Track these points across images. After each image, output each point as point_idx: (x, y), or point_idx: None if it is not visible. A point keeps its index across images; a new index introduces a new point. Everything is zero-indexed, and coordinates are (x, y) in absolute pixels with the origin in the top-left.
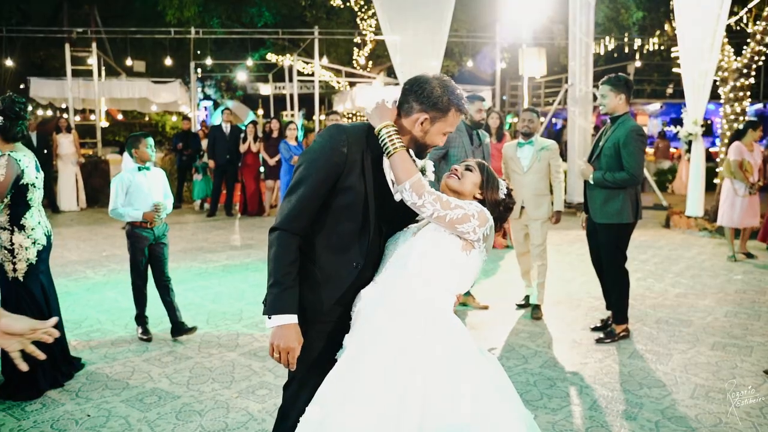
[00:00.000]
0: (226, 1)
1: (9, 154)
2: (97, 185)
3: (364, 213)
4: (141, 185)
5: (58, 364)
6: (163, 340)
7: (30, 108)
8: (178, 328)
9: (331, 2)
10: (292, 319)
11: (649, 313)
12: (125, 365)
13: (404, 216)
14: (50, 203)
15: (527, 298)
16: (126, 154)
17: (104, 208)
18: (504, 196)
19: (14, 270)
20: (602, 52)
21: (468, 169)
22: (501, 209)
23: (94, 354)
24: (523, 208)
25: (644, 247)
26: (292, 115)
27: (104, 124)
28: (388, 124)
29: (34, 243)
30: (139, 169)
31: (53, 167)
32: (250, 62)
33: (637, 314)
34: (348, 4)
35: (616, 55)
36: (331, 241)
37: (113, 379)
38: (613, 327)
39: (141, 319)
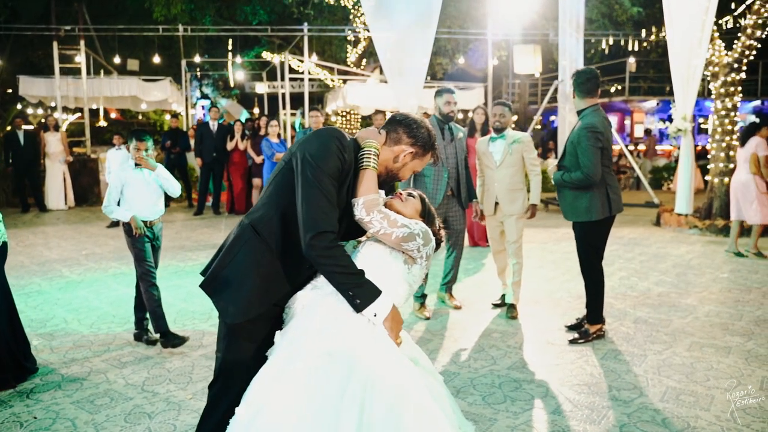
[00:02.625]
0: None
1: None
2: (85, 184)
3: (339, 219)
4: (138, 183)
5: (8, 367)
6: (126, 340)
7: (19, 107)
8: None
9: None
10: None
11: (629, 312)
12: (83, 366)
13: (359, 229)
14: (37, 202)
15: (503, 297)
16: (109, 152)
17: (92, 207)
18: (437, 230)
19: None
20: (597, 49)
21: (411, 195)
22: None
23: (54, 354)
24: (497, 204)
25: (632, 245)
26: (289, 114)
27: (103, 123)
28: (376, 145)
29: None
30: (135, 166)
31: (41, 166)
32: (239, 60)
33: (616, 314)
34: (340, 2)
35: (607, 51)
36: (296, 238)
37: (68, 380)
38: (587, 327)
39: (142, 324)
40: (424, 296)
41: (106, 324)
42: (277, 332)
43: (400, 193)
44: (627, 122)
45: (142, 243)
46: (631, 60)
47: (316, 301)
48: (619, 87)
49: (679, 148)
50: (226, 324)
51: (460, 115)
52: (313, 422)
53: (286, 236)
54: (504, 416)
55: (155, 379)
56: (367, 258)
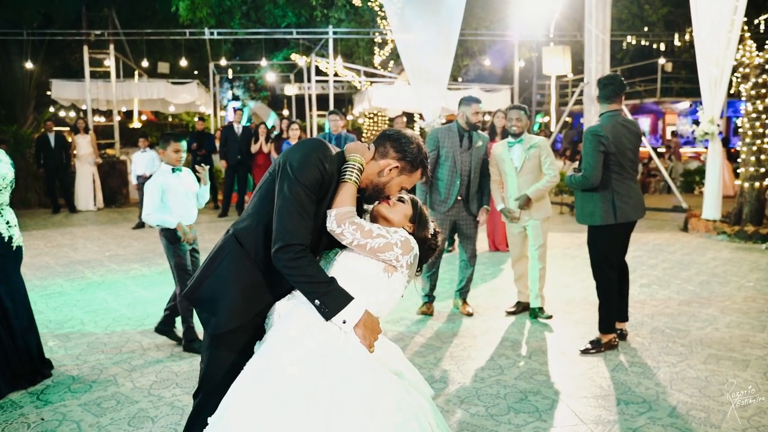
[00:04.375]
0: (246, 3)
1: None
2: (114, 185)
3: (320, 229)
4: (176, 188)
5: (19, 368)
6: (138, 343)
7: (52, 110)
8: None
9: (353, 1)
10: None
11: (646, 322)
12: (94, 368)
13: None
14: (68, 203)
15: (518, 304)
16: (135, 155)
17: (120, 208)
18: (431, 236)
19: None
20: (628, 49)
21: (400, 200)
22: (425, 247)
23: (68, 355)
24: (521, 209)
25: (656, 251)
26: (315, 116)
27: (137, 125)
28: (361, 159)
29: None
30: (173, 170)
31: (71, 167)
32: (264, 62)
33: (632, 323)
34: (368, 3)
35: (638, 51)
36: None
37: (78, 382)
38: (599, 336)
39: (193, 332)
40: (431, 297)
41: (120, 326)
42: (257, 342)
43: (389, 198)
44: (660, 124)
45: (184, 251)
46: (662, 61)
47: (291, 311)
48: (651, 88)
49: (706, 149)
50: (208, 334)
51: (486, 117)
52: None
53: (268, 247)
54: (506, 428)
55: (162, 383)
56: (342, 266)
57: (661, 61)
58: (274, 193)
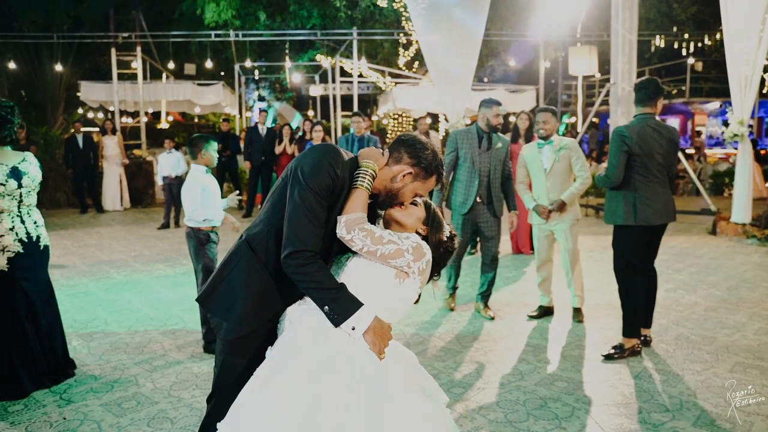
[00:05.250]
0: (271, 4)
1: None
2: (140, 186)
3: (332, 235)
4: (210, 188)
5: (44, 367)
6: (159, 343)
7: (80, 111)
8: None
9: (378, 2)
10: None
11: (671, 328)
12: (116, 368)
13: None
14: (95, 203)
15: (540, 308)
16: (161, 156)
17: (146, 209)
18: (446, 239)
19: None
20: (656, 48)
21: (413, 203)
22: (441, 251)
23: (91, 355)
24: (550, 211)
25: (683, 255)
26: (340, 117)
27: (164, 125)
28: (373, 165)
29: (3, 250)
30: (207, 171)
31: (99, 168)
32: (289, 64)
33: (657, 329)
34: (393, 4)
35: (666, 50)
36: None
37: (100, 382)
38: (623, 341)
39: (213, 334)
40: (455, 287)
41: (143, 326)
42: (269, 348)
43: (402, 204)
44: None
45: (213, 252)
46: (691, 60)
47: (301, 316)
48: (680, 88)
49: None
50: (221, 339)
51: (512, 119)
52: None
53: (280, 253)
54: None
55: (182, 384)
56: (353, 272)
57: (690, 60)
58: (285, 199)
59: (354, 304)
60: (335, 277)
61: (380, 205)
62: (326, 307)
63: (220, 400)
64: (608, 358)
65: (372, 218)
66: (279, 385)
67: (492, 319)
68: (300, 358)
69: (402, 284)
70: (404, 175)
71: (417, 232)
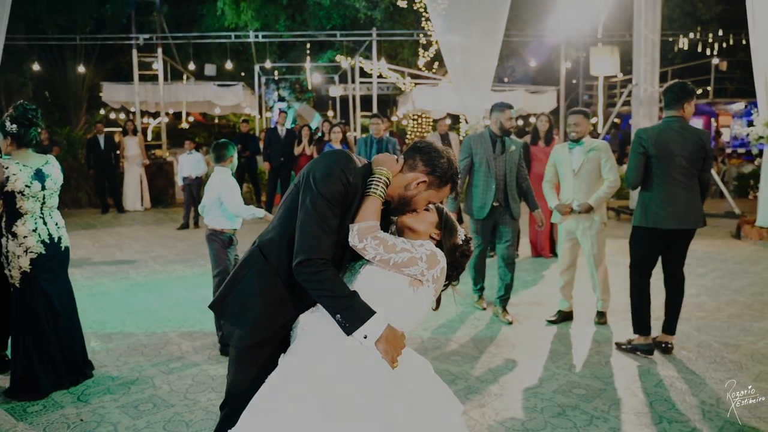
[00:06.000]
0: (290, 5)
1: None
2: (161, 186)
3: (344, 243)
4: (237, 189)
5: (63, 368)
6: (177, 345)
7: (103, 112)
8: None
9: (398, 2)
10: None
11: (693, 334)
12: (133, 370)
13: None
14: (116, 203)
15: (559, 313)
16: (181, 157)
17: (167, 209)
18: (461, 242)
19: (11, 277)
20: (680, 48)
21: (426, 208)
22: (458, 255)
23: (109, 356)
24: (572, 211)
25: (706, 260)
26: (359, 117)
27: (185, 125)
28: (387, 173)
29: (26, 252)
30: (232, 173)
31: (120, 168)
32: (309, 64)
33: (678, 335)
34: (413, 5)
35: (690, 50)
36: None
37: (118, 384)
38: (635, 338)
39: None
40: (482, 289)
41: (161, 327)
42: (281, 356)
43: (415, 211)
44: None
45: (233, 255)
46: (716, 60)
47: (313, 324)
48: (704, 89)
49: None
50: (233, 347)
51: (532, 119)
52: None
53: (292, 260)
54: None
55: (198, 387)
56: (366, 279)
57: (715, 60)
58: (297, 206)
59: (366, 313)
60: (348, 284)
61: (393, 212)
62: (338, 315)
63: (233, 408)
64: (618, 346)
65: (384, 225)
66: (291, 393)
67: (510, 323)
68: (312, 366)
69: (416, 292)
70: (418, 183)
71: (431, 237)
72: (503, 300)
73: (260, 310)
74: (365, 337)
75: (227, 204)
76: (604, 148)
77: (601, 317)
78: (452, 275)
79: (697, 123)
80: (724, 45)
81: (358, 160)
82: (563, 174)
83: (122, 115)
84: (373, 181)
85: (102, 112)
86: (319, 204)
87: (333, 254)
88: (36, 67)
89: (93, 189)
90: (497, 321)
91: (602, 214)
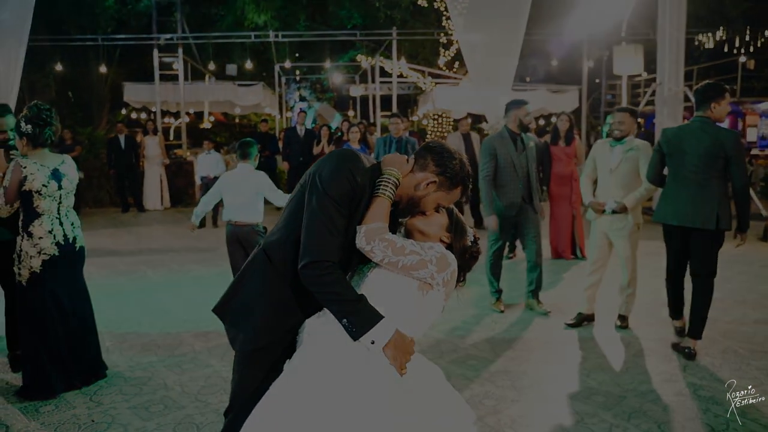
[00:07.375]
0: (311, 4)
1: (17, 160)
2: (180, 185)
3: (352, 245)
4: None
5: (73, 367)
6: (190, 345)
7: (124, 111)
8: None
9: (418, 2)
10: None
11: (717, 340)
12: (146, 370)
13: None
14: (136, 203)
15: (578, 316)
16: (200, 156)
17: (186, 208)
18: (471, 243)
19: (19, 275)
20: (706, 47)
21: (435, 210)
22: (467, 257)
23: (123, 356)
24: (613, 212)
25: (731, 263)
26: (379, 116)
27: (207, 125)
28: (397, 173)
29: (39, 253)
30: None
31: (140, 168)
32: (329, 64)
33: (703, 340)
34: (434, 4)
35: (717, 49)
36: None
37: (130, 384)
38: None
39: None
40: (499, 291)
41: (175, 328)
42: (287, 361)
43: (423, 213)
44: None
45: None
46: (743, 59)
47: (319, 329)
48: (731, 87)
49: None
50: (238, 351)
51: (553, 119)
52: None
53: (298, 262)
54: None
55: (210, 388)
56: (374, 283)
57: (742, 59)
58: (303, 207)
59: (374, 317)
60: (356, 287)
61: (401, 213)
62: (345, 319)
63: (238, 414)
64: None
65: (392, 227)
66: (296, 399)
67: (547, 313)
68: (318, 372)
69: (425, 296)
70: (428, 184)
71: (441, 240)
72: (535, 292)
73: (265, 313)
74: (373, 343)
75: (275, 197)
76: (644, 148)
77: (623, 321)
78: (459, 277)
79: (723, 122)
80: (752, 43)
81: (367, 160)
82: (601, 171)
83: (144, 115)
84: (382, 181)
85: (124, 111)
86: (325, 204)
87: (340, 257)
88: (59, 67)
89: (114, 188)
90: (514, 324)
91: (636, 215)
